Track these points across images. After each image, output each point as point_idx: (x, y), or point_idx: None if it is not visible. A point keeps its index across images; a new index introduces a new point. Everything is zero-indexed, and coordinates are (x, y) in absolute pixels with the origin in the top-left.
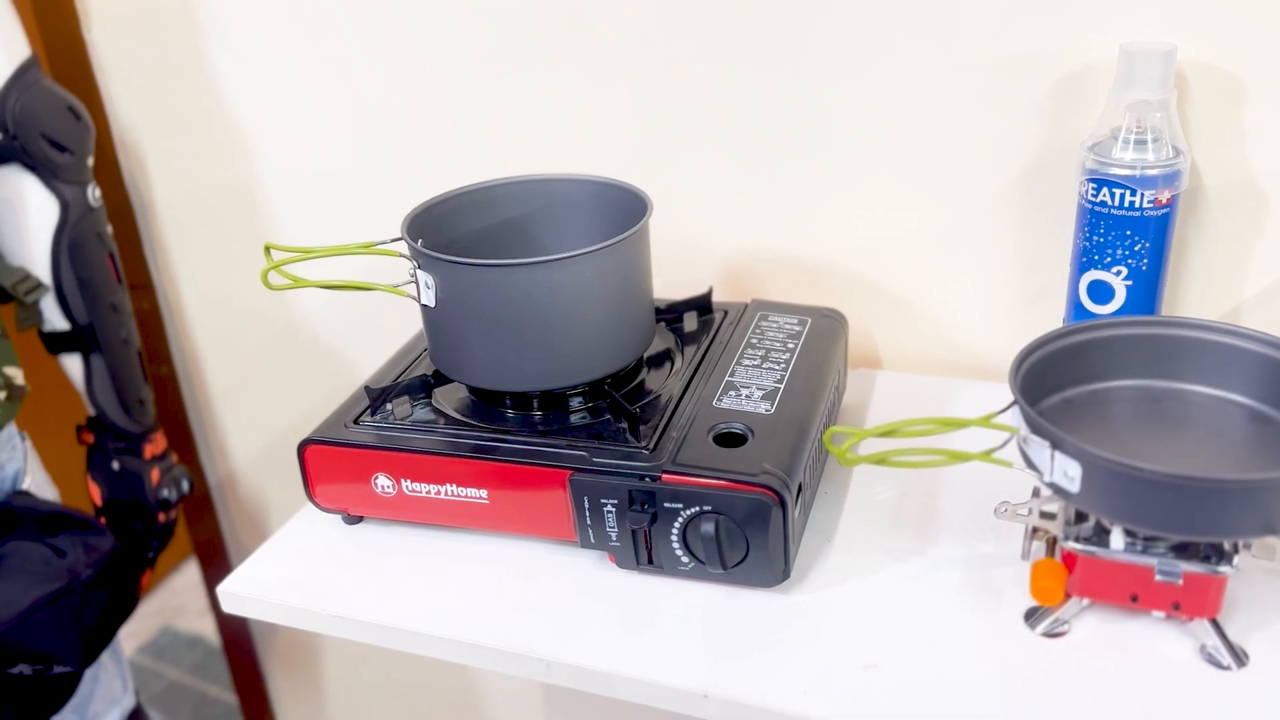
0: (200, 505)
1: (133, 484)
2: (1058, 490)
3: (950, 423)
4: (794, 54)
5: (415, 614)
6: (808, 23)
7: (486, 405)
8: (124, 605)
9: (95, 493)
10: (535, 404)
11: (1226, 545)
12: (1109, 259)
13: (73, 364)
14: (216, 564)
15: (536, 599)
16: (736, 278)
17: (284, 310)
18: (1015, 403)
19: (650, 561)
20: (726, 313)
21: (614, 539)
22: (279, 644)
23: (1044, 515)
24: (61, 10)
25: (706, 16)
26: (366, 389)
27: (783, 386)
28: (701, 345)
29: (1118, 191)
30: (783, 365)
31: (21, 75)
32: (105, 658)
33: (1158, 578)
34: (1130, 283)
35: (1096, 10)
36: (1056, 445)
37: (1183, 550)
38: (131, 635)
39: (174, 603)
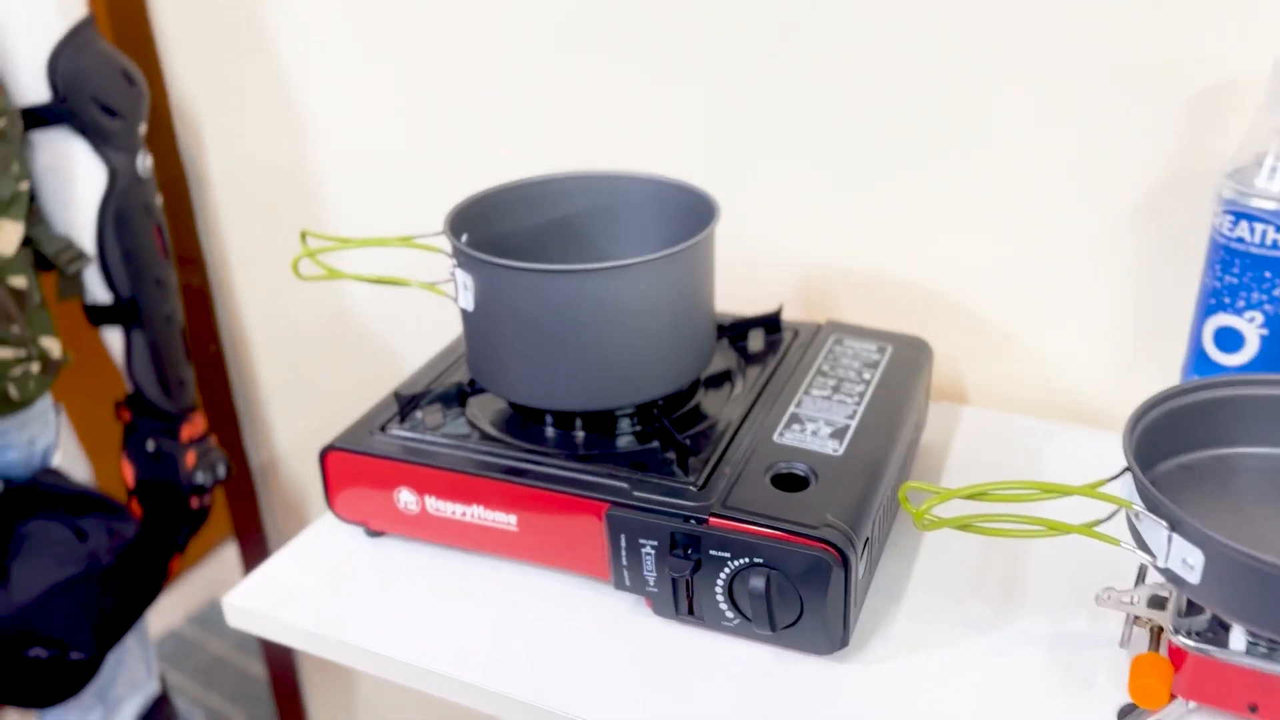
0: (242, 487)
1: (167, 466)
2: (1173, 578)
3: (1051, 489)
4: (888, 49)
5: (430, 650)
6: (904, 12)
7: (525, 422)
8: (146, 592)
9: (128, 472)
10: (579, 424)
11: None
12: (1242, 303)
13: (113, 338)
14: (255, 548)
15: (563, 643)
16: (812, 296)
17: (337, 296)
18: (1128, 470)
19: (691, 613)
20: (797, 333)
21: (652, 584)
22: None
23: (1152, 602)
24: None
25: (791, 7)
26: (396, 395)
27: (854, 423)
28: (767, 367)
29: (1259, 227)
30: (856, 398)
31: (75, 35)
32: (130, 642)
33: None
34: (1266, 331)
35: (1248, 16)
36: (1176, 526)
37: None
38: (178, 605)
39: (223, 575)
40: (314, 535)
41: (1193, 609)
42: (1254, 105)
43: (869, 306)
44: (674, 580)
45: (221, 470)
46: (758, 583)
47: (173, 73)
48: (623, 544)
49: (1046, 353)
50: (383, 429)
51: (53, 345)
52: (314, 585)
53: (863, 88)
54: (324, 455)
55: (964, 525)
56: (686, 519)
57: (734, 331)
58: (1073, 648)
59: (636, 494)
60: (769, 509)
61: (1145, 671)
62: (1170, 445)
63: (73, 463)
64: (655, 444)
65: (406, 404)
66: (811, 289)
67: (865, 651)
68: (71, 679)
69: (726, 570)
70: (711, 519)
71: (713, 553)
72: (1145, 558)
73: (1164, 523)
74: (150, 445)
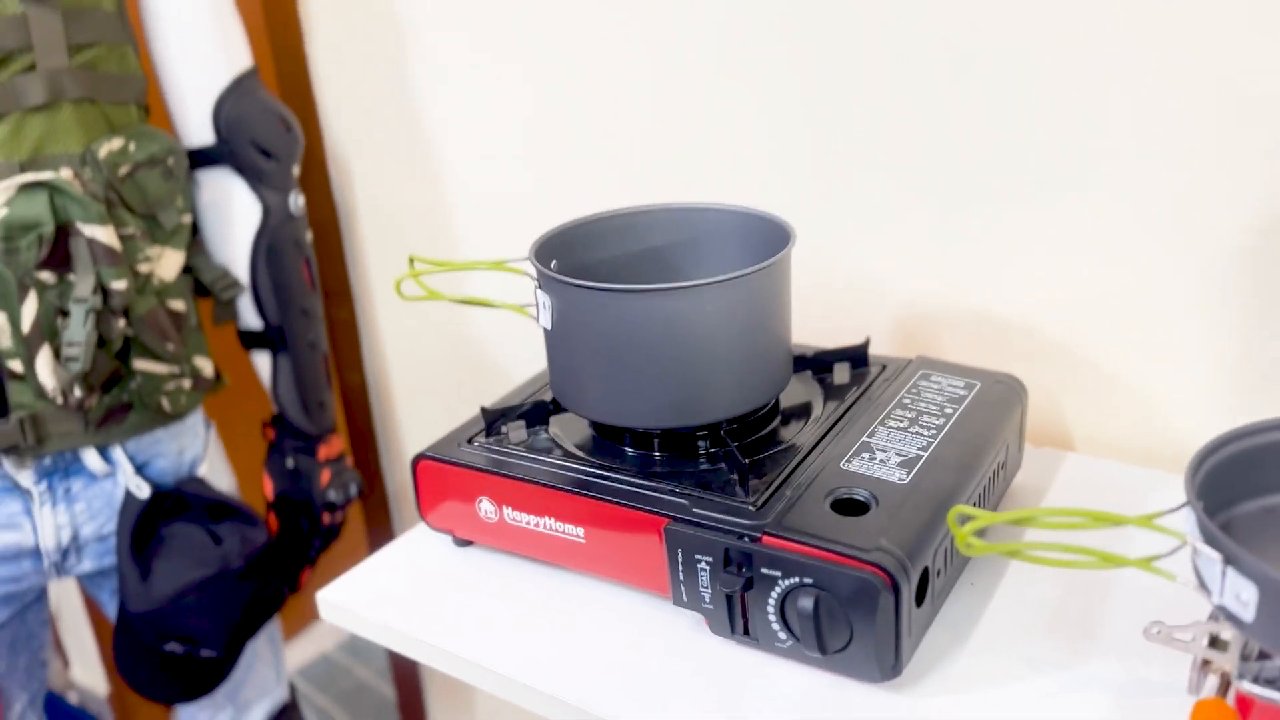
0: (378, 509)
1: (303, 482)
2: (1229, 616)
3: (1104, 518)
4: (990, 89)
5: (503, 655)
6: (1007, 54)
7: (605, 440)
8: (273, 599)
9: (268, 487)
10: (655, 445)
11: None
12: None
13: (262, 362)
14: None
15: (621, 656)
16: (910, 332)
17: (462, 324)
18: (1189, 503)
19: (746, 632)
20: (885, 367)
21: (707, 600)
22: None
23: (1215, 644)
24: (290, 29)
25: (887, 43)
26: (483, 410)
27: (926, 455)
28: (848, 399)
29: None
30: (933, 431)
31: (239, 84)
32: (262, 647)
33: None
34: None
35: None
36: (1230, 561)
37: None
38: (330, 633)
39: None
40: (408, 541)
41: (1264, 654)
42: None
43: (969, 344)
44: (728, 598)
45: (354, 489)
46: (806, 603)
47: (328, 120)
48: (680, 559)
49: (1154, 397)
50: (470, 441)
51: (205, 365)
52: (401, 587)
53: (963, 124)
54: (415, 463)
55: (1011, 552)
56: (741, 536)
57: (818, 363)
58: (1141, 694)
59: (695, 510)
60: (823, 530)
61: (1206, 717)
62: (1254, 484)
63: (218, 475)
64: (722, 465)
65: (493, 419)
66: (911, 325)
67: (922, 683)
68: (204, 677)
69: (778, 589)
70: (765, 537)
71: (764, 571)
72: (1202, 594)
73: (1218, 556)
74: (289, 462)
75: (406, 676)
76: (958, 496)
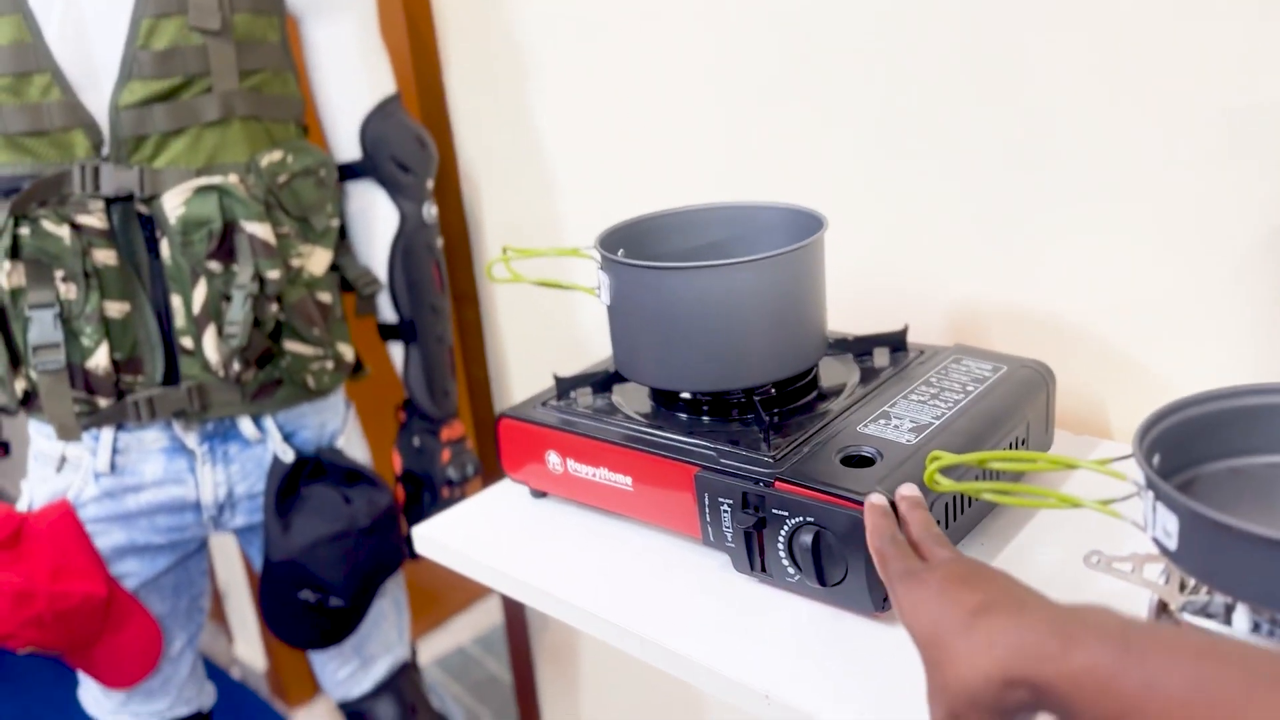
0: None
1: (426, 459)
2: (1161, 548)
3: (1058, 461)
4: (1032, 100)
5: (562, 586)
6: (1043, 64)
7: (660, 405)
8: (394, 557)
9: (396, 462)
10: (704, 409)
11: None
12: None
13: (396, 352)
14: None
15: (663, 590)
16: (962, 326)
17: (574, 326)
18: (1134, 452)
19: (764, 569)
20: (923, 352)
21: (729, 540)
22: (548, 637)
23: (1152, 575)
24: (431, 63)
25: (942, 66)
26: (556, 379)
27: (938, 423)
28: (881, 379)
29: None
30: (950, 404)
31: (382, 108)
32: (388, 608)
33: None
34: None
35: None
36: (1157, 495)
37: None
38: (467, 627)
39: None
40: (494, 493)
41: (1200, 588)
42: None
43: (1017, 338)
44: (747, 536)
45: (470, 469)
46: (805, 538)
47: (461, 142)
48: (706, 502)
49: (1188, 388)
50: (544, 404)
51: (346, 350)
52: (483, 528)
53: (1009, 130)
54: (497, 421)
55: (974, 491)
56: (757, 481)
57: (859, 347)
58: None
59: (722, 461)
60: (827, 478)
61: None
62: (1225, 446)
63: (354, 447)
64: (753, 425)
65: (565, 386)
66: (963, 319)
67: None
68: (334, 626)
69: (786, 528)
70: (777, 482)
71: (775, 511)
72: (1140, 531)
73: (1151, 492)
74: (416, 441)
75: (522, 664)
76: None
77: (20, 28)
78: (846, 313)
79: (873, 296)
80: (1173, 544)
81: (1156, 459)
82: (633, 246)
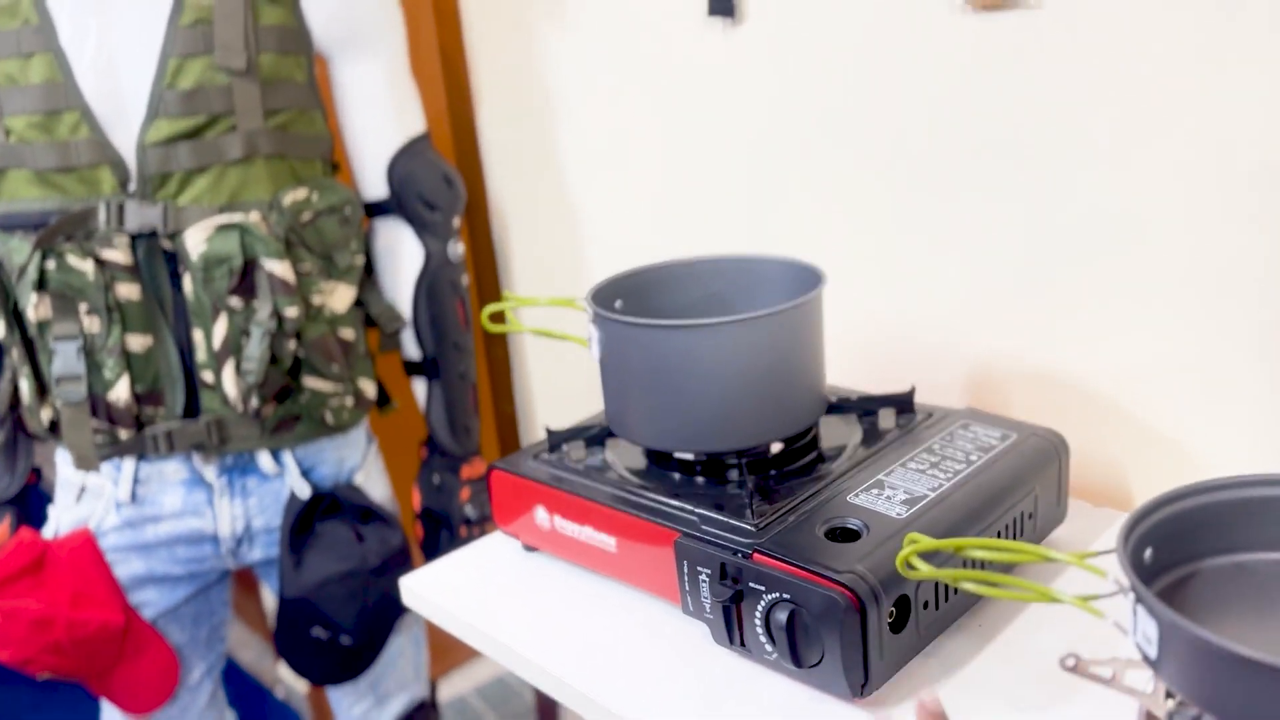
0: None
1: (445, 497)
2: (1142, 654)
3: (1036, 552)
4: (1050, 157)
5: (546, 652)
6: (1061, 122)
7: (654, 464)
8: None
9: (416, 499)
10: (697, 469)
11: None
12: None
13: (419, 388)
14: None
15: (639, 659)
16: (980, 389)
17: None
18: (1118, 547)
19: (742, 644)
20: (931, 415)
21: (708, 610)
22: None
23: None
24: (464, 103)
25: (952, 124)
26: (548, 431)
27: (933, 494)
28: (884, 442)
29: None
30: (950, 474)
31: (410, 146)
32: (405, 646)
33: None
34: None
35: None
36: (1138, 599)
37: None
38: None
39: None
40: (485, 545)
41: None
42: None
43: (1036, 403)
44: (724, 609)
45: (489, 508)
46: (781, 616)
47: (492, 180)
48: (685, 570)
49: (1211, 459)
50: (536, 457)
51: (368, 386)
52: (468, 582)
53: (1033, 186)
54: (488, 472)
55: (953, 579)
56: (735, 552)
57: (864, 407)
58: None
59: (703, 527)
60: (807, 553)
61: None
62: (1226, 540)
63: (373, 483)
64: (741, 490)
65: (556, 439)
66: (982, 382)
67: (899, 708)
68: (346, 663)
69: (763, 603)
70: (755, 554)
71: (752, 585)
72: (1122, 634)
73: (1132, 595)
74: (436, 479)
75: (545, 700)
76: (956, 536)
77: (52, 67)
78: (861, 369)
79: (890, 353)
80: (1153, 651)
81: (1149, 553)
82: (632, 298)
